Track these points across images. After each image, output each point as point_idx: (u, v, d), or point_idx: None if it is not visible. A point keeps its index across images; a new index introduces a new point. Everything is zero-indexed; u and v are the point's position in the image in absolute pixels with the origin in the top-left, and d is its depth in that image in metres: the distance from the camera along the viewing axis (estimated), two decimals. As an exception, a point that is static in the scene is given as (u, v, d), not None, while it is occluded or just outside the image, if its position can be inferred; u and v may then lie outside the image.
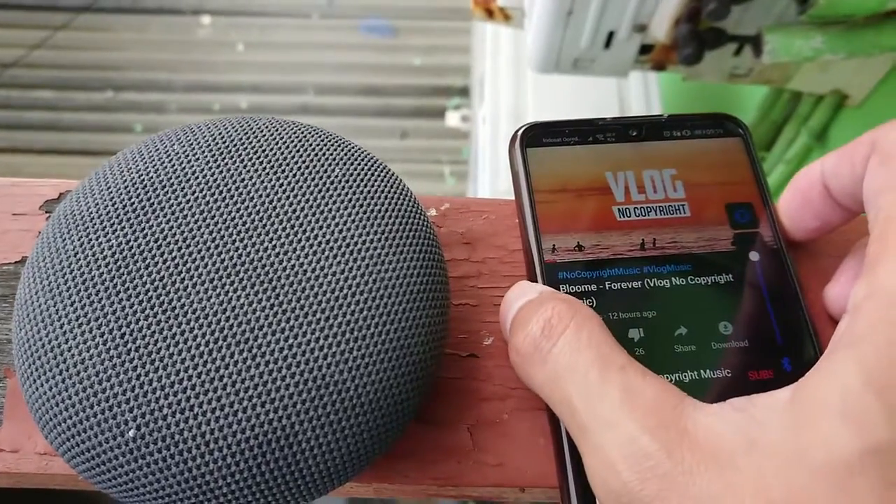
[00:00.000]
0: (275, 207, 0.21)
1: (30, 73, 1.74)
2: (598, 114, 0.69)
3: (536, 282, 0.24)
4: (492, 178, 0.99)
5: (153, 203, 0.21)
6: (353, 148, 0.23)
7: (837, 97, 0.75)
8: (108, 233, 0.20)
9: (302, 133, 0.23)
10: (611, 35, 0.66)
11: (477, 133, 1.15)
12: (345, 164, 0.22)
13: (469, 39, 1.63)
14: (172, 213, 0.20)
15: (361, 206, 0.21)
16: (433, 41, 1.79)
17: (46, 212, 0.27)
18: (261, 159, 0.22)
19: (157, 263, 0.20)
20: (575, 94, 0.97)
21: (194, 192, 0.21)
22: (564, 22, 0.64)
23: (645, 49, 0.68)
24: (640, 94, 1.00)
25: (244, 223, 0.20)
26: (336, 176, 0.22)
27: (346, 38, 1.80)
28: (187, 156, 0.22)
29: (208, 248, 0.20)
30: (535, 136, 0.27)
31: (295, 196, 0.21)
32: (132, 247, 0.20)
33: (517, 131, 0.27)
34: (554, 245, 0.25)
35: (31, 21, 1.78)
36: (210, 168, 0.21)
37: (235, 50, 1.79)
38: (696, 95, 1.01)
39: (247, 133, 0.22)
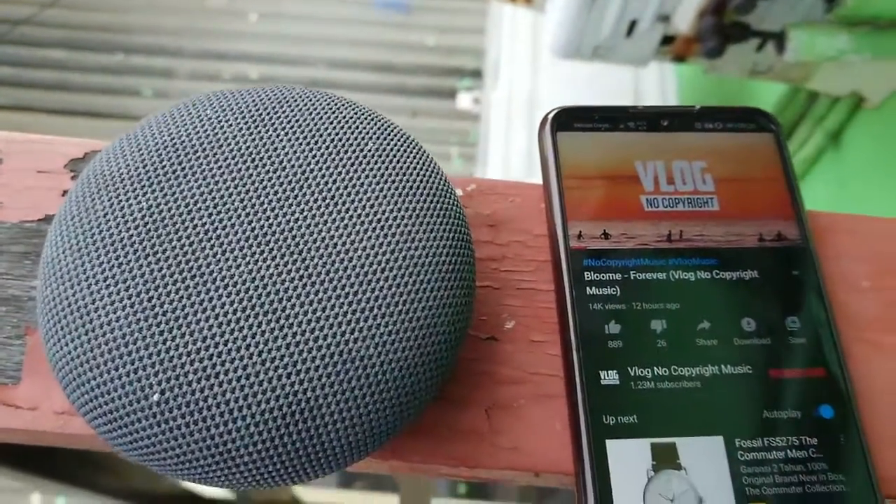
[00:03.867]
0: (307, 178, 0.21)
1: (41, 31, 1.73)
2: (613, 102, 0.68)
3: (560, 268, 0.24)
4: (503, 161, 0.99)
5: (184, 167, 0.20)
6: (385, 123, 0.23)
7: (855, 99, 0.74)
8: (138, 194, 0.20)
9: (336, 105, 0.22)
10: (633, 24, 0.66)
11: (489, 116, 1.14)
12: (378, 138, 0.22)
13: (484, 21, 1.61)
14: (204, 179, 0.20)
15: (393, 181, 0.21)
16: (448, 21, 1.77)
17: (71, 171, 0.27)
18: (294, 129, 0.21)
19: (186, 228, 0.19)
20: (591, 82, 0.97)
21: (226, 158, 0.21)
22: (588, 8, 0.64)
23: (666, 40, 0.68)
24: (657, 84, 0.99)
25: (275, 192, 0.20)
26: (369, 150, 0.22)
27: (359, 13, 1.79)
28: (220, 121, 0.21)
29: (238, 216, 0.20)
30: (566, 121, 0.26)
31: (327, 168, 0.21)
32: (162, 210, 0.20)
33: (548, 115, 0.26)
34: (580, 231, 0.24)
35: (43, -22, 1.77)
36: (243, 135, 0.21)
37: (248, 19, 1.77)
38: (712, 89, 1.00)
39: (280, 102, 0.22)
